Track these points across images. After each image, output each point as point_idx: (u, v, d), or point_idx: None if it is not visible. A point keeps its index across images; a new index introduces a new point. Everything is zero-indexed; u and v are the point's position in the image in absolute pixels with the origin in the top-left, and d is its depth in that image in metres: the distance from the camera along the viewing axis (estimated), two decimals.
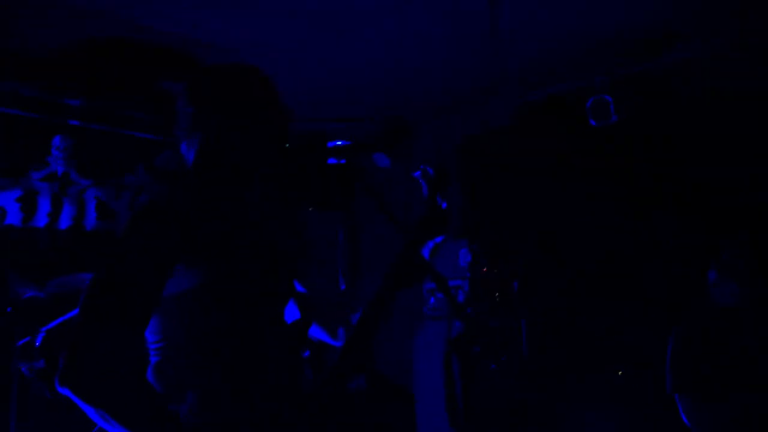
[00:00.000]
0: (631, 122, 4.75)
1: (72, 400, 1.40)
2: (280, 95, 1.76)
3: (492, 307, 4.78)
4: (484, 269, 4.86)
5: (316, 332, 2.05)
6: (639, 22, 4.30)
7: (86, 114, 4.99)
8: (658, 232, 4.72)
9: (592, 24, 4.29)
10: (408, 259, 1.62)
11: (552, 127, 5.20)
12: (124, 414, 1.40)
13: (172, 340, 1.60)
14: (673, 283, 4.57)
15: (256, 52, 4.33)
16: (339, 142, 1.72)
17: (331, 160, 1.73)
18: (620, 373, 4.69)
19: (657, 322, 4.54)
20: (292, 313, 1.85)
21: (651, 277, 4.69)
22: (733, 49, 4.33)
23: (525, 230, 5.26)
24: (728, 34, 4.33)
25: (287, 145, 1.73)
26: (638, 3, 4.03)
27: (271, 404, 1.60)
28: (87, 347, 1.40)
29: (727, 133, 4.37)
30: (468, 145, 5.82)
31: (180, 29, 3.98)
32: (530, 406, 4.40)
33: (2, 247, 4.61)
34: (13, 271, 4.44)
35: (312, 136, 1.73)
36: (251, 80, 1.73)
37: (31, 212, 4.80)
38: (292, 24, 4.04)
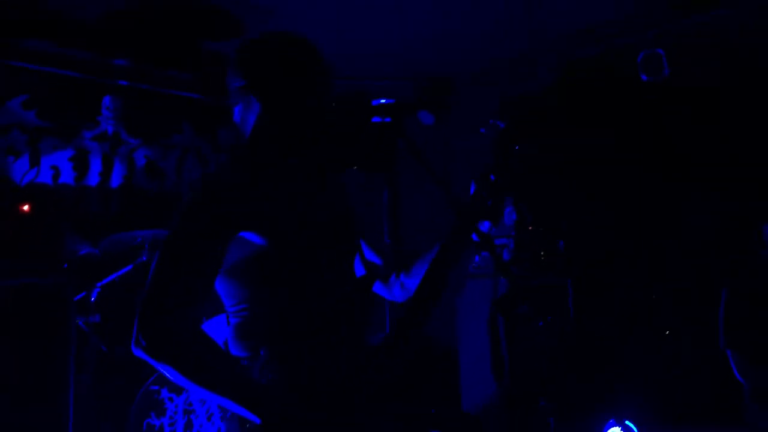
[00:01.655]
0: (683, 77, 4.59)
1: (146, 360, 1.48)
2: (324, 60, 1.75)
3: (537, 266, 4.75)
4: (530, 227, 4.81)
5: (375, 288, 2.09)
6: None
7: (134, 74, 5.05)
8: (707, 193, 4.59)
9: None
10: (467, 225, 1.61)
11: (600, 85, 5.06)
12: (199, 371, 1.47)
13: (246, 302, 1.67)
14: (723, 242, 4.45)
15: (296, 11, 4.29)
16: (383, 100, 1.70)
17: (376, 119, 1.71)
18: (667, 333, 4.64)
19: (703, 282, 4.46)
20: (358, 269, 1.90)
21: (699, 237, 4.59)
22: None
23: (570, 189, 5.17)
24: None
25: (332, 104, 1.72)
26: None
27: (339, 361, 1.65)
28: (157, 312, 1.48)
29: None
30: (512, 103, 5.71)
31: None
32: (575, 365, 4.39)
33: (57, 205, 4.75)
34: (69, 228, 4.58)
35: (356, 94, 1.71)
36: (298, 48, 1.72)
37: (83, 171, 4.92)
38: None
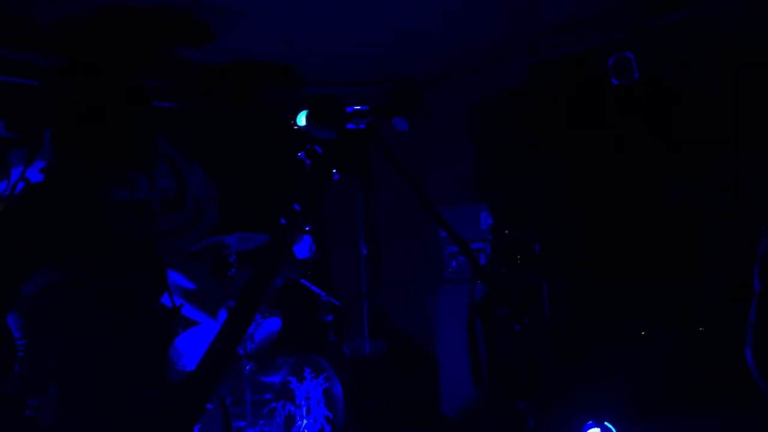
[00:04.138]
0: (653, 79, 4.66)
1: None
2: (132, 91, 1.80)
3: (514, 270, 4.78)
4: (506, 231, 4.84)
5: (195, 315, 2.09)
6: None
7: None
8: (684, 192, 4.66)
9: None
10: (277, 252, 1.61)
11: (570, 86, 5.11)
12: None
13: (34, 336, 1.63)
14: (694, 243, 4.53)
15: (266, 16, 4.28)
16: (358, 107, 1.70)
17: (350, 125, 1.71)
18: (643, 333, 4.69)
19: (677, 284, 4.52)
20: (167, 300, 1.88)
21: (673, 237, 4.65)
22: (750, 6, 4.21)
23: (545, 192, 5.21)
24: None
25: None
26: None
27: (134, 395, 1.63)
28: None
29: (753, 85, 4.27)
30: (483, 105, 5.75)
31: None
32: (553, 366, 4.42)
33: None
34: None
35: (330, 100, 1.71)
36: (96, 89, 1.74)
37: None
38: None
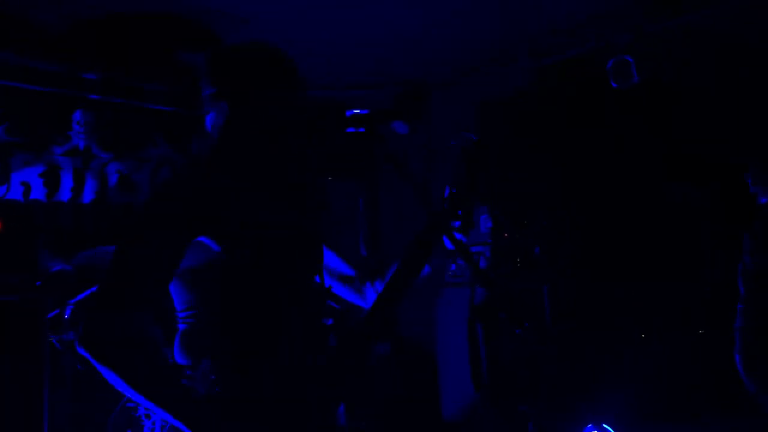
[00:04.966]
0: (654, 80, 4.67)
1: (90, 361, 1.45)
2: (296, 70, 1.75)
3: (514, 273, 4.78)
4: (506, 235, 4.85)
5: (346, 293, 2.08)
6: None
7: (105, 88, 5.00)
8: (679, 194, 4.67)
9: None
10: (436, 231, 1.62)
11: (572, 90, 5.12)
12: (136, 377, 1.45)
13: (196, 309, 1.65)
14: (694, 245, 4.53)
15: (271, 21, 4.29)
16: (357, 111, 1.71)
17: (350, 129, 1.72)
18: (643, 336, 4.69)
19: (677, 286, 4.52)
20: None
21: (673, 241, 4.65)
22: (750, 8, 4.22)
23: (546, 195, 5.22)
24: None
25: (305, 115, 1.72)
26: None
27: (286, 375, 1.63)
28: (105, 313, 1.46)
29: (752, 89, 4.28)
30: (487, 109, 5.76)
31: None
32: (553, 369, 4.42)
33: (29, 221, 4.67)
34: (41, 245, 4.51)
35: (330, 104, 1.72)
36: (270, 58, 1.72)
37: (54, 187, 4.85)
38: None
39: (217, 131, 1.71)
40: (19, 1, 3.93)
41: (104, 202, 5.08)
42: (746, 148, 4.23)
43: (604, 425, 3.66)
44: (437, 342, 5.15)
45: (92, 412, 3.61)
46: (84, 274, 3.95)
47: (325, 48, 4.80)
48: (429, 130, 5.94)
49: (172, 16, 4.18)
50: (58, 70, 4.72)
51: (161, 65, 4.98)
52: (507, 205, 5.18)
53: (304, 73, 1.75)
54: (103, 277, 1.49)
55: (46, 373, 3.10)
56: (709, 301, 4.49)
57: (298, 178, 1.81)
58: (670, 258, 4.61)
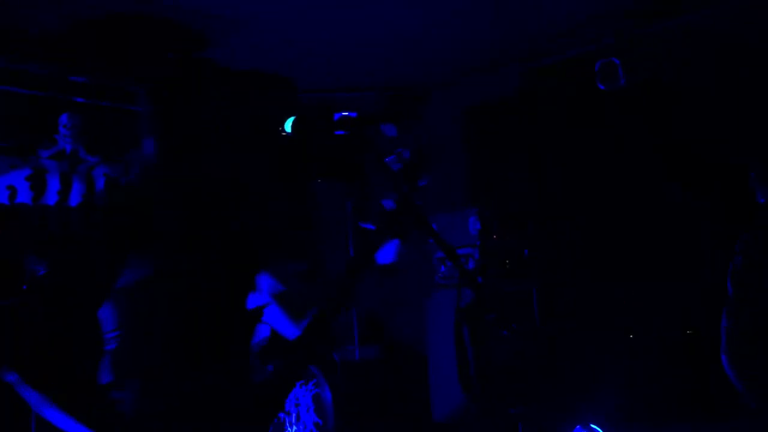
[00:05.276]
0: (640, 85, 4.69)
1: (15, 385, 1.44)
2: (252, 92, 1.76)
3: (503, 274, 4.79)
4: (494, 237, 4.86)
5: (276, 320, 2.08)
6: None
7: (91, 91, 4.97)
8: (667, 197, 4.69)
9: None
10: (369, 253, 1.63)
11: (559, 93, 5.15)
12: (62, 399, 1.45)
13: (123, 329, 1.64)
14: (688, 245, 4.55)
15: (261, 23, 4.29)
16: (346, 113, 1.70)
17: (339, 132, 1.71)
18: (631, 336, 4.71)
19: (669, 286, 4.54)
20: (253, 300, 1.87)
21: (661, 243, 4.67)
22: (750, 8, 4.25)
23: (534, 197, 5.24)
24: None
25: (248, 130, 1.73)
26: None
27: (214, 392, 1.63)
28: (33, 334, 1.47)
29: (751, 89, 4.31)
30: (475, 113, 5.77)
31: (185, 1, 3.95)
32: (541, 371, 4.43)
33: (15, 225, 4.64)
34: (27, 249, 4.48)
35: (319, 107, 1.72)
36: (209, 77, 1.73)
37: (41, 190, 4.82)
38: None
39: (150, 150, 1.72)
40: (4, 5, 3.91)
41: (91, 206, 5.04)
42: (746, 148, 4.25)
43: (593, 426, 3.67)
44: (428, 343, 5.15)
45: None
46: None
47: (317, 51, 4.80)
48: (417, 133, 5.96)
49: (161, 18, 4.16)
50: (44, 73, 4.70)
51: (149, 68, 4.96)
52: (496, 208, 5.20)
53: (294, 75, 1.75)
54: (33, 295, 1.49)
55: None
56: (703, 302, 4.51)
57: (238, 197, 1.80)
58: (663, 258, 4.63)
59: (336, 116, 1.70)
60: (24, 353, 1.43)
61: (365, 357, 5.63)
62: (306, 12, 4.18)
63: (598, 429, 3.67)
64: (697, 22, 4.47)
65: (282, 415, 4.21)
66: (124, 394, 1.56)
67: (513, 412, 4.26)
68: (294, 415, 4.28)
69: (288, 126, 1.68)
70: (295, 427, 4.26)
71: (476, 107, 5.73)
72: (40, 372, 1.42)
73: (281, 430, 4.19)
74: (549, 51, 5.06)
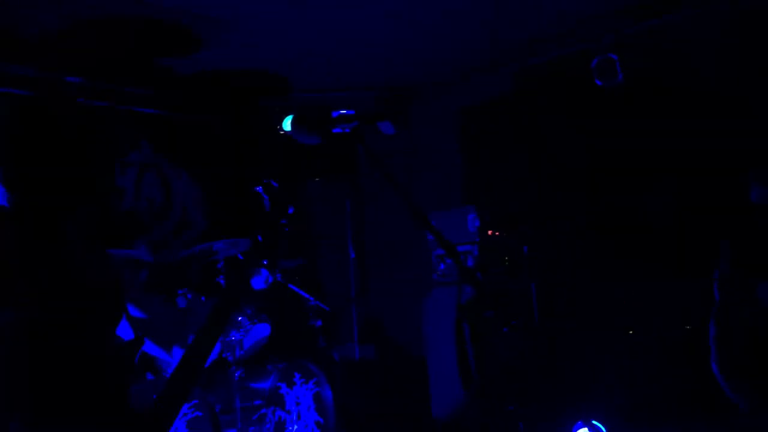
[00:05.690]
0: (637, 82, 4.69)
1: None
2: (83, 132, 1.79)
3: (502, 272, 4.80)
4: (489, 233, 4.87)
5: (152, 349, 2.09)
6: None
7: (88, 92, 4.97)
8: (665, 193, 4.70)
9: None
10: (235, 287, 1.64)
11: (555, 90, 5.15)
12: None
13: None
14: (680, 242, 4.56)
15: (255, 24, 4.28)
16: (343, 111, 1.70)
17: (336, 130, 1.71)
18: (630, 332, 4.71)
19: (664, 283, 4.55)
20: (126, 332, 1.87)
21: (660, 238, 4.68)
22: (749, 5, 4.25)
23: (532, 194, 5.24)
24: None
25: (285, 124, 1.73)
26: None
27: (95, 426, 1.64)
28: None
29: (735, 87, 4.32)
30: (470, 111, 5.78)
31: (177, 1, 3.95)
32: (541, 368, 4.44)
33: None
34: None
35: (316, 106, 1.72)
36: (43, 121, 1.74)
37: None
38: None
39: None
40: (0, 6, 3.90)
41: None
42: (744, 146, 4.24)
43: (594, 422, 3.68)
44: (427, 341, 5.15)
45: None
46: None
47: (311, 51, 4.80)
48: (412, 131, 5.96)
49: (156, 20, 4.16)
50: (40, 75, 4.69)
51: (143, 69, 4.96)
52: (495, 205, 5.20)
53: (290, 75, 1.75)
54: None
55: None
56: (703, 302, 4.51)
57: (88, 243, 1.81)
58: (663, 258, 4.63)
59: (334, 114, 1.70)
60: None
61: (365, 355, 5.64)
62: (304, 12, 4.18)
63: (600, 425, 3.67)
64: (695, 19, 4.47)
65: (283, 414, 4.21)
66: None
67: (512, 410, 4.26)
68: (295, 413, 4.28)
69: (286, 124, 1.68)
70: (296, 426, 4.26)
71: (474, 106, 5.74)
72: None
73: (282, 429, 4.19)
74: (546, 49, 5.06)
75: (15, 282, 1.58)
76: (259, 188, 1.68)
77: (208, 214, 5.47)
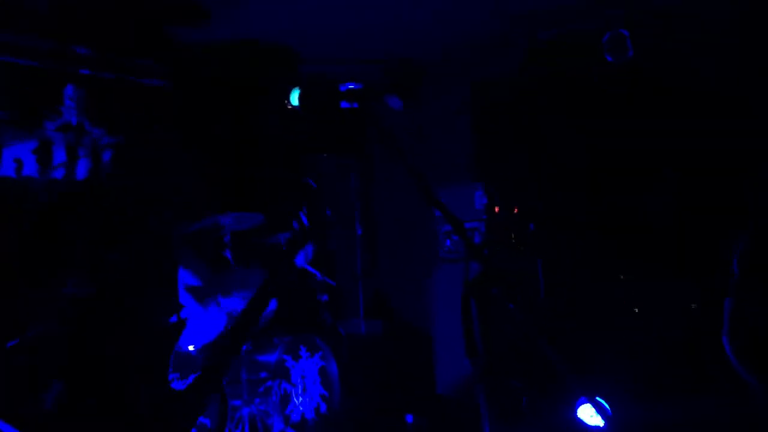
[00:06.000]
0: (648, 57, 4.64)
1: None
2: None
3: (508, 248, 4.79)
4: (500, 210, 4.85)
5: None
6: None
7: (97, 63, 4.95)
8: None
9: None
10: (284, 264, 1.66)
11: (565, 66, 5.09)
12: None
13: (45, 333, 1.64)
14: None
15: None
16: (351, 85, 1.69)
17: (344, 104, 1.70)
18: (636, 310, 4.72)
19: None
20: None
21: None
22: None
23: (540, 171, 5.21)
24: None
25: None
26: None
27: (133, 397, 1.64)
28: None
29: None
30: (480, 87, 5.73)
31: None
32: (547, 345, 4.44)
33: (22, 198, 4.65)
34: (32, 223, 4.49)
35: (324, 80, 1.71)
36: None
37: (47, 163, 4.82)
38: None
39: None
40: None
41: (98, 179, 5.04)
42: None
43: (598, 398, 3.69)
44: (433, 317, 5.17)
45: None
46: None
47: (318, 25, 4.75)
48: (422, 109, 5.92)
49: None
50: (47, 46, 4.67)
51: (154, 41, 4.93)
52: (501, 182, 5.18)
53: (299, 47, 1.73)
54: None
55: None
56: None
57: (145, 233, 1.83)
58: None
59: (342, 88, 1.68)
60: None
61: (371, 331, 5.66)
62: None
63: (604, 402, 3.68)
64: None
65: (288, 386, 4.25)
66: (47, 395, 1.57)
67: (517, 386, 4.28)
68: (300, 386, 4.32)
69: (294, 98, 1.67)
70: (301, 398, 4.30)
71: (484, 82, 5.68)
72: None
73: (288, 402, 4.23)
74: (558, 24, 4.99)
75: (80, 258, 1.61)
76: (308, 179, 1.72)
77: (217, 189, 5.47)
